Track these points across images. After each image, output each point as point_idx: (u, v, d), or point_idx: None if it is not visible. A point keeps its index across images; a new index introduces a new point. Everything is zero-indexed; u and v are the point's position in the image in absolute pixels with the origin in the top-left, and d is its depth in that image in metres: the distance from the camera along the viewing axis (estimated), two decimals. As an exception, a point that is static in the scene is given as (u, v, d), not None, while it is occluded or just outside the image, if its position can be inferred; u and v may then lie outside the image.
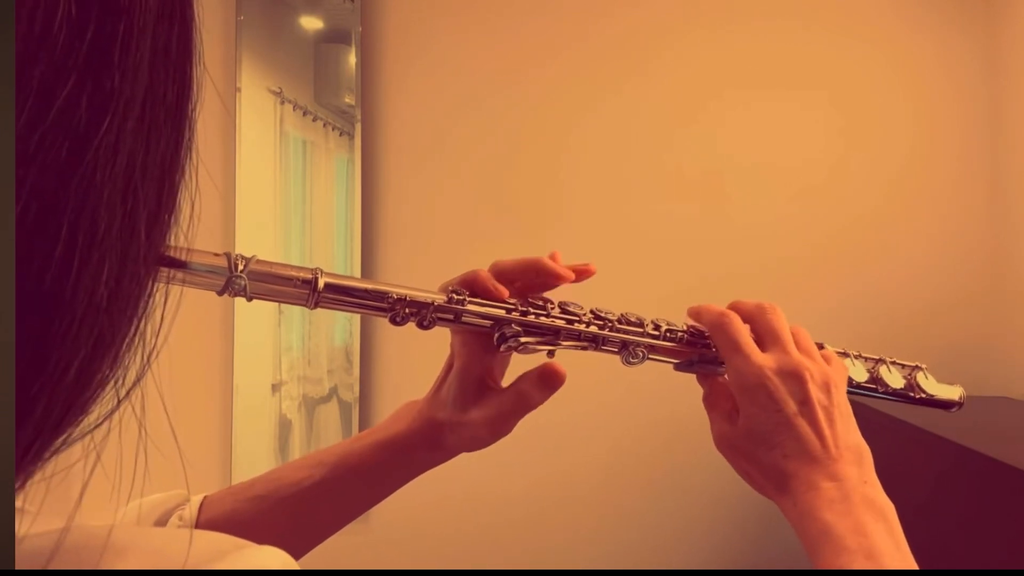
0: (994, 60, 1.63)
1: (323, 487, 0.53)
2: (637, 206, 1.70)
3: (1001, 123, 1.62)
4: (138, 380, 0.26)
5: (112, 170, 0.21)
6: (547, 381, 0.50)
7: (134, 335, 0.25)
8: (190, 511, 0.52)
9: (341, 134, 1.73)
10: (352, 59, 1.72)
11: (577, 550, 1.69)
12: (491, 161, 1.73)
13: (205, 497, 0.54)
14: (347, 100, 1.73)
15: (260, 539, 0.52)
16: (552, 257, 0.53)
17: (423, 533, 1.72)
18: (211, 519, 0.52)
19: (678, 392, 1.59)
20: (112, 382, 0.24)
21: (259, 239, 1.72)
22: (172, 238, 0.27)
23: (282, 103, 1.73)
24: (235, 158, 1.72)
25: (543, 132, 1.73)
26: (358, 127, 1.72)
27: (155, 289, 0.26)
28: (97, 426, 0.24)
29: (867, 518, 0.45)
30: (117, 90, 0.21)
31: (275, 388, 1.73)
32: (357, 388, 1.71)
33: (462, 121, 1.74)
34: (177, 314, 0.28)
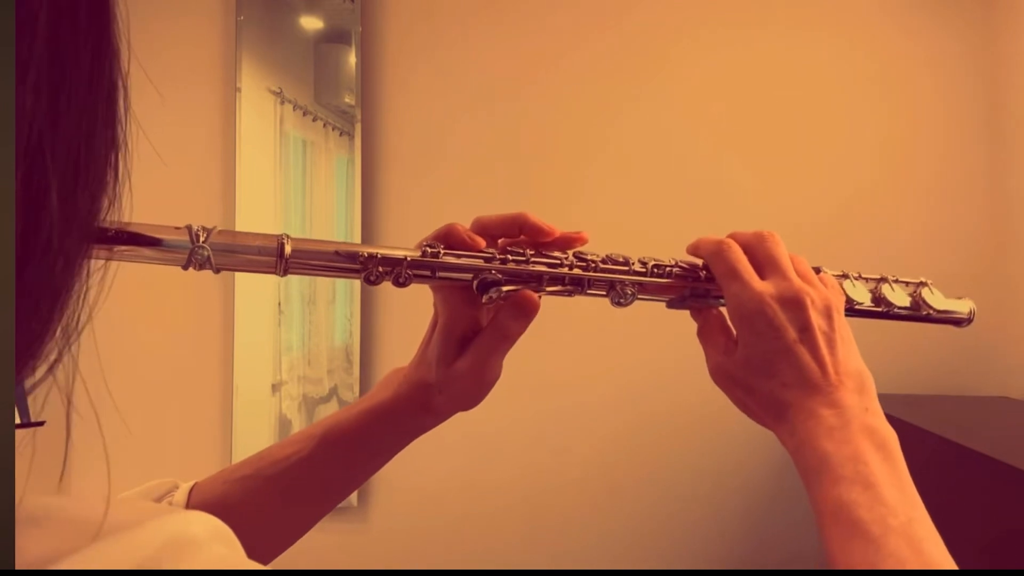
0: (994, 62, 1.63)
1: (312, 461, 0.52)
2: (641, 203, 1.70)
3: (1001, 124, 1.61)
4: (59, 360, 0.24)
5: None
6: (522, 309, 0.48)
7: (57, 312, 0.23)
8: (180, 497, 0.51)
9: (341, 134, 1.73)
10: (352, 59, 1.72)
11: (576, 541, 1.69)
12: (492, 161, 1.73)
13: (195, 483, 0.53)
14: (347, 100, 1.73)
15: (252, 519, 0.52)
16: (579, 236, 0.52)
17: (421, 526, 1.71)
18: (201, 503, 0.51)
19: (678, 385, 1.60)
20: (32, 362, 0.23)
21: (259, 239, 1.72)
22: (111, 213, 0.25)
23: (282, 103, 1.73)
24: (235, 158, 1.72)
25: (544, 131, 1.73)
26: (358, 127, 1.72)
27: (87, 265, 0.24)
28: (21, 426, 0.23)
29: (867, 446, 0.43)
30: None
31: (275, 388, 1.73)
32: (357, 388, 1.71)
33: (462, 121, 1.74)
34: (110, 292, 0.26)
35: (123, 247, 0.38)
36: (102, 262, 0.26)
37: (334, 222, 1.74)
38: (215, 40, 1.77)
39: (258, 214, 1.73)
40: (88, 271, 0.25)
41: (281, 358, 1.73)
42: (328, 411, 1.73)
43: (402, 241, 1.79)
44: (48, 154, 0.22)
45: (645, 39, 1.72)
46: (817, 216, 1.67)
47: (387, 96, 1.75)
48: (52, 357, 0.24)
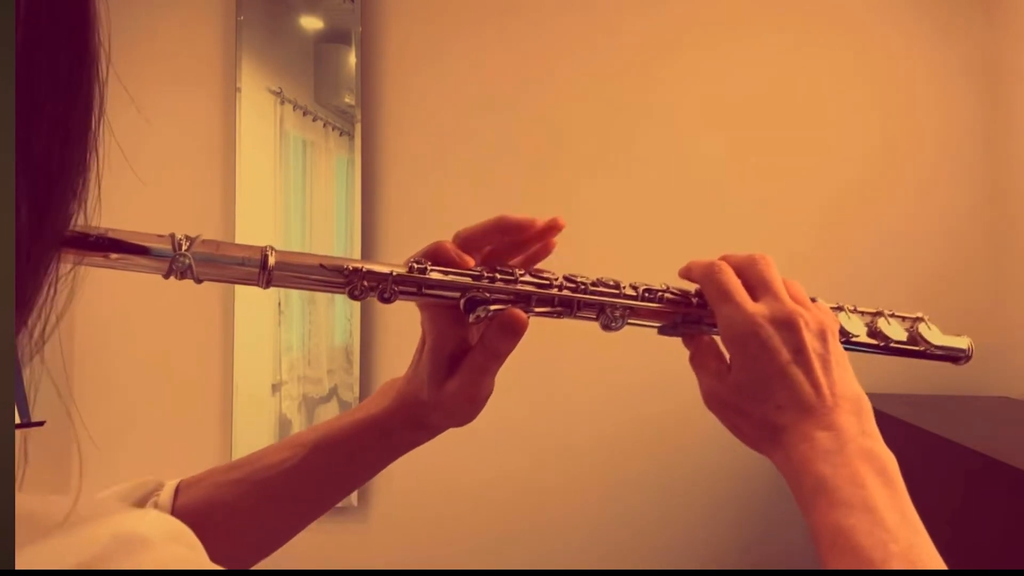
0: (993, 67, 1.63)
1: (302, 468, 0.51)
2: (641, 204, 1.70)
3: (1000, 126, 1.61)
4: (27, 364, 0.24)
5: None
6: (509, 327, 0.47)
7: (22, 320, 0.23)
8: (166, 497, 0.51)
9: (341, 134, 1.73)
10: (352, 59, 1.72)
11: (576, 540, 1.69)
12: (492, 160, 1.73)
13: (181, 481, 0.52)
14: (347, 100, 1.73)
15: (240, 523, 0.51)
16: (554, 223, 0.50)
17: (421, 526, 1.71)
18: (188, 503, 0.51)
19: (675, 384, 1.60)
20: None
21: (259, 239, 1.71)
22: (79, 218, 0.25)
23: (282, 103, 1.73)
24: (235, 158, 1.72)
25: (543, 131, 1.73)
26: (358, 127, 1.72)
27: (54, 270, 0.24)
28: None
29: (865, 470, 0.42)
30: None
31: (275, 388, 1.73)
32: (357, 388, 1.71)
33: (462, 120, 1.74)
34: (128, 306, 0.26)
35: (103, 254, 0.38)
36: (70, 267, 0.25)
37: (334, 222, 1.74)
38: (215, 40, 1.77)
39: (258, 214, 1.73)
40: (55, 277, 0.24)
41: (281, 358, 1.73)
42: (328, 411, 1.73)
43: (401, 240, 1.78)
44: (20, 164, 0.21)
45: (647, 43, 1.72)
46: (817, 220, 1.67)
47: (387, 96, 1.75)
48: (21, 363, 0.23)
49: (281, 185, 1.73)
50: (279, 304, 1.73)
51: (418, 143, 1.75)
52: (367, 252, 1.72)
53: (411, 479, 1.68)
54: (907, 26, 1.67)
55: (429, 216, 1.73)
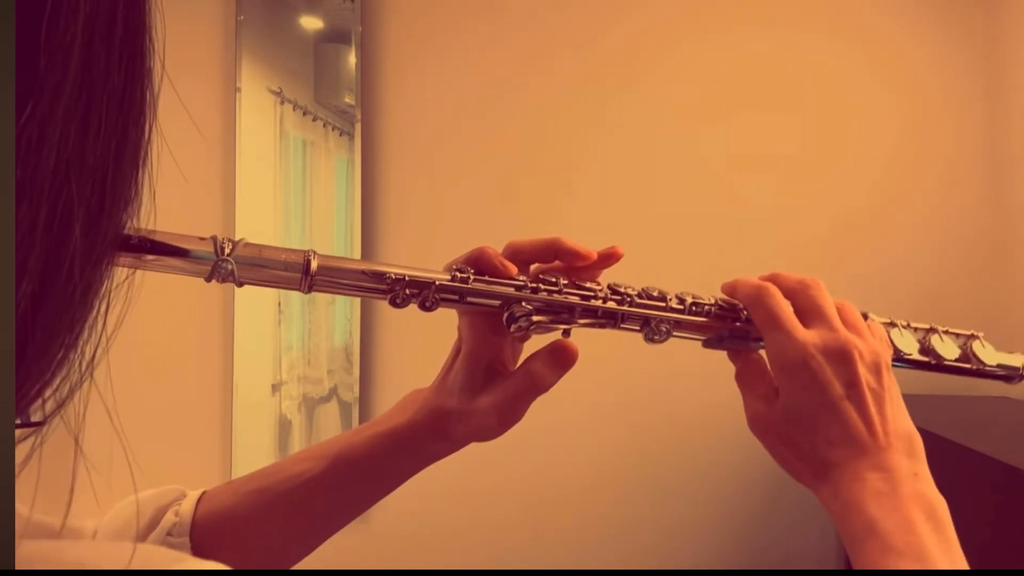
0: (995, 63, 1.63)
1: (323, 481, 0.51)
2: (640, 205, 1.70)
3: (1003, 124, 1.61)
4: (80, 383, 0.24)
5: (37, 162, 0.19)
6: (558, 359, 0.47)
7: (77, 334, 0.23)
8: (188, 506, 0.50)
9: (341, 134, 1.73)
10: (352, 59, 1.72)
11: (580, 546, 1.69)
12: (492, 161, 1.73)
13: (204, 492, 0.52)
14: (347, 100, 1.73)
15: (260, 533, 0.52)
16: None
17: (422, 526, 1.71)
18: (209, 513, 0.50)
19: (679, 389, 1.60)
20: (53, 383, 0.23)
21: (259, 240, 1.71)
22: (134, 225, 0.25)
23: (282, 103, 1.73)
24: (235, 158, 1.72)
25: (543, 131, 1.73)
26: (358, 127, 1.72)
27: (108, 283, 0.24)
28: (31, 432, 0.22)
29: (917, 515, 0.41)
30: (43, 73, 0.19)
31: (275, 388, 1.73)
32: (357, 388, 1.71)
33: (462, 121, 1.74)
34: (132, 307, 0.26)
35: (145, 256, 0.37)
36: (123, 289, 0.26)
37: (334, 222, 1.74)
38: (215, 40, 1.77)
39: (258, 214, 1.73)
40: (109, 289, 0.24)
41: (281, 358, 1.73)
42: (328, 411, 1.73)
43: (401, 240, 1.77)
44: (74, 184, 0.21)
45: (647, 41, 1.72)
46: (817, 219, 1.67)
47: (387, 96, 1.75)
48: (67, 386, 0.24)
49: (281, 185, 1.73)
50: (279, 304, 1.73)
51: (418, 143, 1.75)
52: (367, 252, 1.72)
53: (412, 480, 1.67)
54: (909, 24, 1.67)
55: (429, 216, 1.72)
